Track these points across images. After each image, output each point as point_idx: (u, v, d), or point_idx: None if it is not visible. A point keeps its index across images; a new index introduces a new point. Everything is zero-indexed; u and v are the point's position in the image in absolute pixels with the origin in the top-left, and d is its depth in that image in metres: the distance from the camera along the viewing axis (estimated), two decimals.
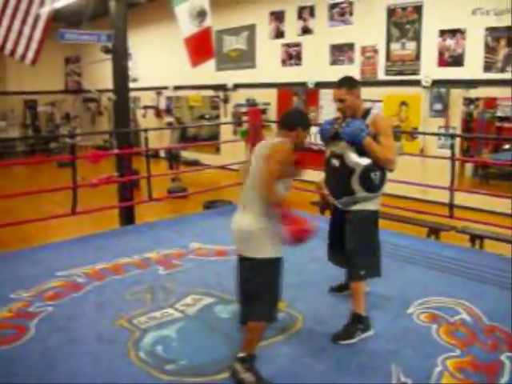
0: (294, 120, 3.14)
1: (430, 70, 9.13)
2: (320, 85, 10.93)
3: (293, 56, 11.60)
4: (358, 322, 3.57)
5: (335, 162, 3.65)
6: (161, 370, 3.16)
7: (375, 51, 10.00)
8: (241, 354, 3.02)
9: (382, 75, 9.95)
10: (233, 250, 4.78)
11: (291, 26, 11.50)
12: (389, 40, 9.74)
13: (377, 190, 3.60)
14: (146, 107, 15.33)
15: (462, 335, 3.57)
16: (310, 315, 3.89)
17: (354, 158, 3.54)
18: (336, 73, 10.43)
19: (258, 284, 2.99)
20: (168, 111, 14.79)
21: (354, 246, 3.66)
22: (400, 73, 9.62)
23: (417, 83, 9.24)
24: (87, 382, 3.07)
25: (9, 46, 6.23)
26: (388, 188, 7.87)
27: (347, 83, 3.64)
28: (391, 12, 9.62)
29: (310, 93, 11.23)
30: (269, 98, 11.82)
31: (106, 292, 4.33)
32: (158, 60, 14.60)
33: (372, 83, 10.05)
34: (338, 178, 3.69)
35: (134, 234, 6.10)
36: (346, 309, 3.97)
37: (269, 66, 11.93)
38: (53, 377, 3.14)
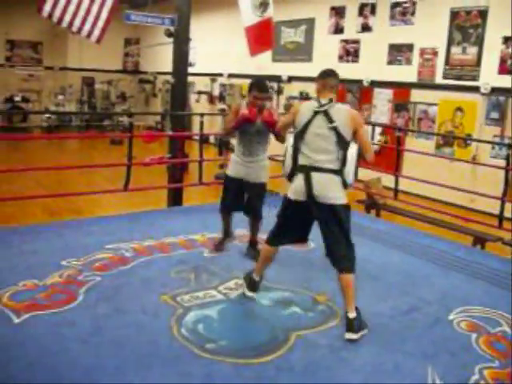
0: None
1: (489, 76, 8.93)
2: (375, 83, 10.84)
3: (350, 53, 11.52)
4: None
5: None
6: (201, 347, 3.26)
7: (434, 53, 9.84)
8: (352, 314, 3.47)
9: (439, 79, 9.78)
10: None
11: (351, 23, 11.42)
12: (449, 43, 9.56)
13: None
14: (199, 92, 15.51)
15: (502, 347, 3.54)
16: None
17: None
18: (392, 73, 10.42)
19: None
20: (221, 98, 14.94)
21: None
22: (458, 77, 9.44)
23: (475, 89, 9.05)
24: (131, 350, 3.20)
25: (77, 23, 6.43)
26: (435, 192, 7.79)
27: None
28: (455, 15, 9.43)
29: (365, 91, 11.15)
30: None
31: (152, 268, 4.47)
32: (216, 47, 14.74)
33: (428, 86, 9.91)
34: None
35: (181, 215, 6.25)
36: (386, 307, 4.01)
37: (325, 60, 11.85)
38: (99, 342, 3.29)
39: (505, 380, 3.15)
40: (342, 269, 3.58)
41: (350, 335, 3.44)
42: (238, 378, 2.99)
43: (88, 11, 6.48)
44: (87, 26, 6.53)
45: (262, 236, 4.35)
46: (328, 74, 3.78)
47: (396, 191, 7.16)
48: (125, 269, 4.43)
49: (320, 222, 3.66)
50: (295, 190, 3.65)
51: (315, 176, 3.54)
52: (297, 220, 3.77)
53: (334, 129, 3.52)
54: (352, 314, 3.46)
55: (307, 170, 3.56)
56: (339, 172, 3.56)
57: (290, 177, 3.72)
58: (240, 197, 4.74)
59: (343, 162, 3.55)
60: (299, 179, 3.60)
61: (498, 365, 3.30)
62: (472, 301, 4.23)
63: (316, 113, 3.57)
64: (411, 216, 6.94)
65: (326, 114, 3.54)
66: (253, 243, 4.89)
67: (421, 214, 6.93)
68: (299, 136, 3.62)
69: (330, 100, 3.59)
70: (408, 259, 5.20)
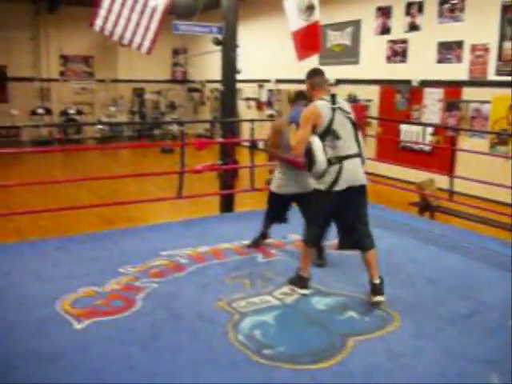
0: None
1: None
2: (425, 83, 10.63)
3: (398, 53, 11.34)
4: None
5: None
6: (259, 353, 3.26)
7: (486, 50, 9.56)
8: (378, 280, 3.94)
9: (491, 75, 9.50)
10: (328, 245, 4.82)
11: (398, 22, 11.24)
12: (502, 38, 9.27)
13: None
14: (247, 99, 15.61)
15: None
16: (408, 315, 3.84)
17: None
18: (442, 71, 10.20)
19: None
20: (269, 104, 14.98)
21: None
22: None
23: None
24: (189, 356, 3.24)
25: (127, 35, 6.59)
26: (492, 193, 7.52)
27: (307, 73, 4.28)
28: (506, 9, 9.14)
29: (414, 91, 10.95)
30: (371, 94, 11.66)
31: (207, 274, 4.51)
32: (262, 53, 14.81)
33: (480, 83, 9.64)
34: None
35: (234, 221, 6.29)
36: (446, 311, 3.91)
37: (372, 62, 11.76)
38: (158, 347, 3.34)
39: None
40: (370, 246, 4.09)
41: (377, 298, 3.92)
42: None
43: (138, 24, 6.63)
44: (138, 38, 6.69)
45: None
46: (321, 71, 4.29)
47: (451, 192, 6.98)
48: (180, 275, 4.49)
49: (350, 205, 4.02)
50: (341, 180, 3.93)
51: (349, 163, 3.93)
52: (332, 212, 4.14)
53: (350, 118, 4.05)
54: (377, 280, 3.96)
55: (342, 160, 3.92)
56: (360, 154, 4.04)
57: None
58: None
59: (359, 143, 4.07)
60: (335, 170, 3.91)
61: None
62: None
63: (334, 109, 3.96)
64: (467, 217, 6.76)
65: (340, 107, 4.00)
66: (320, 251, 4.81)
67: (477, 216, 6.73)
68: (326, 133, 3.93)
69: (333, 96, 4.06)
70: (466, 262, 5.05)
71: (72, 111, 15.64)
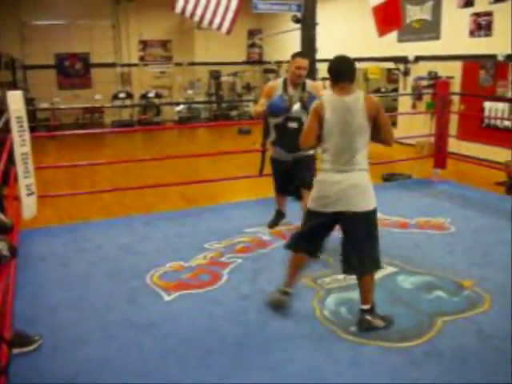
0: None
1: None
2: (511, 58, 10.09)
3: (482, 26, 10.80)
4: None
5: (293, 124, 4.51)
6: (345, 330, 3.27)
7: None
8: (367, 306, 3.28)
9: None
10: (414, 224, 4.72)
11: None
12: None
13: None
14: (324, 79, 15.42)
15: None
16: (499, 297, 3.71)
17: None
18: None
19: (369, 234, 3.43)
20: None
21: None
22: None
23: None
24: (276, 330, 3.29)
25: (208, 16, 6.67)
26: None
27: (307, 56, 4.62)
28: None
29: (500, 66, 10.41)
30: (452, 71, 11.19)
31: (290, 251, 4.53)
32: (340, 31, 14.55)
33: None
34: (295, 137, 3.75)
35: None
36: None
37: (454, 37, 11.26)
38: (246, 320, 3.42)
39: None
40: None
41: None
42: (386, 362, 2.96)
43: (218, 4, 6.69)
44: (218, 19, 6.76)
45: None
46: None
47: None
48: (264, 251, 4.56)
49: None
50: None
51: None
52: None
53: None
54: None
55: None
56: None
57: None
58: None
59: None
60: None
61: None
62: None
63: None
64: None
65: None
66: None
67: None
68: None
69: None
70: None
71: (151, 95, 16.04)
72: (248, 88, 17.25)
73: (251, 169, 6.36)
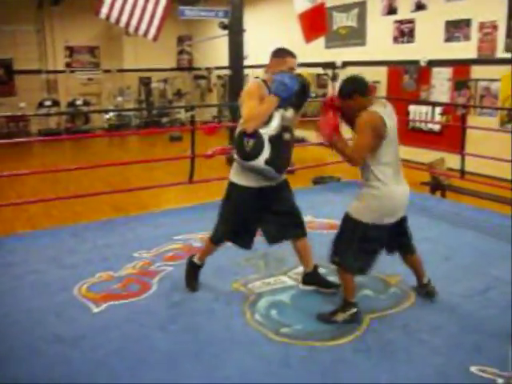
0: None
1: None
2: (433, 63, 10.55)
3: (405, 33, 11.24)
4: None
5: (287, 136, 3.51)
6: (276, 332, 3.30)
7: (494, 27, 9.46)
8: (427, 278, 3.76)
9: (500, 53, 9.40)
10: None
11: (404, 2, 11.13)
12: (510, 15, 9.16)
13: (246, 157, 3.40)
14: None
15: None
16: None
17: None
18: (450, 50, 10.10)
19: None
20: None
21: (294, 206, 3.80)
22: None
23: None
24: (208, 336, 3.28)
25: (133, 22, 6.57)
26: (503, 171, 7.48)
27: None
28: None
29: (422, 71, 10.87)
30: (379, 76, 11.58)
31: (222, 257, 4.49)
32: (268, 37, 14.71)
33: (489, 61, 9.55)
34: (290, 152, 3.62)
35: None
36: (462, 287, 3.92)
37: (379, 43, 11.66)
38: (176, 329, 3.38)
39: None
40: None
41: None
42: (315, 361, 3.01)
43: (144, 10, 6.61)
44: (144, 25, 6.67)
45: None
46: None
47: (462, 171, 6.96)
48: None
49: None
50: None
51: None
52: None
53: None
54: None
55: None
56: None
57: None
58: None
59: None
60: None
61: None
62: None
63: None
64: (479, 196, 6.73)
65: None
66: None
67: (490, 194, 6.70)
68: None
69: None
70: (480, 239, 5.05)
71: (79, 102, 15.64)
72: (179, 94, 17.15)
73: (183, 176, 6.35)
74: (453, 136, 8.99)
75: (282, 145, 3.44)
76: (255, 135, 3.34)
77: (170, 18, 7.06)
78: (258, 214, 3.67)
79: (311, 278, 3.89)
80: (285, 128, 3.48)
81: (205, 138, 7.43)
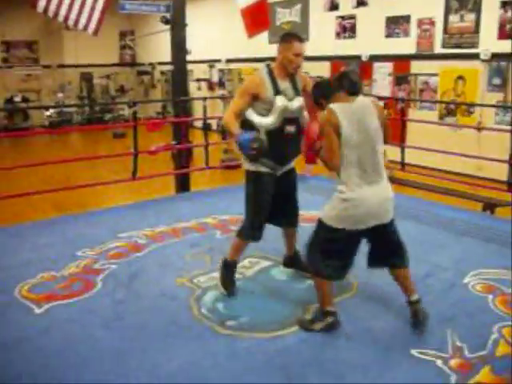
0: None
1: (489, 42, 8.86)
2: (374, 58, 10.79)
3: (347, 29, 11.45)
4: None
5: (291, 128, 3.52)
6: (223, 325, 3.31)
7: (432, 23, 9.76)
8: (416, 297, 3.30)
9: (438, 48, 9.71)
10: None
11: None
12: (447, 12, 9.47)
13: None
14: (198, 80, 15.48)
15: None
16: (363, 282, 3.93)
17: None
18: (391, 46, 10.36)
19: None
20: (220, 84, 14.91)
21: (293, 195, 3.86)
22: (458, 46, 9.37)
23: (475, 57, 8.98)
24: (154, 332, 3.26)
25: (72, 16, 6.42)
26: (441, 163, 7.72)
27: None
28: None
29: (364, 66, 11.10)
30: (322, 70, 11.73)
31: (167, 253, 4.52)
32: (212, 33, 14.67)
33: (428, 56, 9.86)
34: (294, 144, 3.60)
35: (190, 200, 6.29)
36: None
37: (322, 38, 11.83)
38: (121, 326, 3.34)
39: None
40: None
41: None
42: (261, 351, 3.04)
43: (83, 3, 6.46)
44: (83, 19, 6.53)
45: None
46: None
47: (403, 163, 7.16)
48: (140, 255, 4.47)
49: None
50: None
51: None
52: None
53: None
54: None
55: None
56: None
57: None
58: None
59: None
60: None
61: None
62: (486, 264, 4.25)
63: None
64: (419, 187, 6.95)
65: None
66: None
67: (429, 185, 6.93)
68: None
69: None
70: (420, 228, 5.21)
71: (18, 99, 15.14)
72: (122, 91, 16.89)
73: (126, 173, 6.26)
74: (394, 128, 9.23)
75: (281, 138, 3.46)
76: (254, 128, 3.45)
77: (111, 11, 6.93)
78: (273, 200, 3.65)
79: (292, 260, 4.03)
80: (289, 120, 3.48)
81: (149, 135, 7.32)
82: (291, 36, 3.45)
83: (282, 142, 3.49)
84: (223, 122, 3.55)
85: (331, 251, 3.16)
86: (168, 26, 7.10)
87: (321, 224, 3.19)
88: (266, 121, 3.45)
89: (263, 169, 3.56)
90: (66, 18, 6.36)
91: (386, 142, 3.23)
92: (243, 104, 3.45)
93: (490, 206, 6.07)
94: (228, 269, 3.74)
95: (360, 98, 3.09)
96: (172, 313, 3.49)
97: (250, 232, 3.67)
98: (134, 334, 3.26)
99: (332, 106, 3.02)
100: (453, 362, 2.92)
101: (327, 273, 3.19)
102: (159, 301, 3.67)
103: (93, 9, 6.52)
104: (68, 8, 6.36)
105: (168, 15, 6.98)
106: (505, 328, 3.27)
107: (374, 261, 3.37)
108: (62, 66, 16.35)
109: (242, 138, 3.33)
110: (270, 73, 3.46)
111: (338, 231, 3.09)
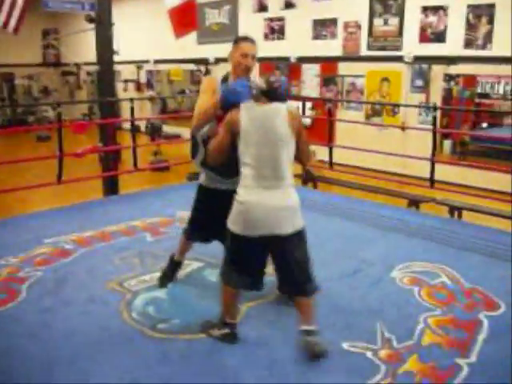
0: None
1: (412, 46, 9.23)
2: (302, 59, 10.98)
3: (275, 30, 11.59)
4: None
5: None
6: (154, 328, 3.25)
7: (358, 27, 10.06)
8: (312, 327, 2.98)
9: (364, 51, 10.02)
10: None
11: (274, 0, 11.47)
12: (372, 16, 9.80)
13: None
14: (126, 81, 15.20)
15: (442, 296, 3.72)
16: None
17: None
18: (318, 48, 10.57)
19: (306, 253, 3.04)
20: (149, 85, 14.69)
21: None
22: (382, 48, 9.71)
23: (399, 59, 9.34)
24: (83, 339, 3.15)
25: None
26: (368, 162, 7.93)
27: (255, 41, 3.32)
28: None
29: (293, 67, 11.27)
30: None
31: (95, 257, 4.38)
32: (139, 33, 14.43)
33: (354, 59, 10.14)
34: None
35: (119, 203, 6.15)
36: (332, 272, 4.12)
37: None
38: (48, 335, 3.21)
39: (448, 325, 3.31)
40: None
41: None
42: (193, 353, 3.01)
43: (2, 1, 6.21)
44: (2, 16, 6.27)
45: None
46: None
47: (331, 162, 7.31)
48: (67, 261, 4.31)
49: None
50: None
51: None
52: None
53: None
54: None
55: None
56: None
57: None
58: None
59: None
60: None
61: (440, 312, 3.48)
62: (412, 257, 4.40)
63: None
64: (347, 185, 7.12)
65: None
66: None
67: (356, 183, 7.12)
68: None
69: None
70: (348, 225, 5.34)
71: None
72: (46, 92, 16.31)
73: (51, 177, 6.04)
74: (322, 130, 9.43)
75: None
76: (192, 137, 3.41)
77: (33, 9, 6.68)
78: (216, 215, 3.35)
79: None
80: None
81: (75, 137, 7.12)
82: (239, 38, 3.36)
83: None
84: (194, 121, 3.23)
85: (235, 258, 3.04)
86: (93, 25, 6.92)
87: (227, 229, 3.03)
88: (203, 128, 3.29)
89: (208, 182, 3.52)
90: None
91: (300, 161, 3.16)
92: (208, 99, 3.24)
93: (414, 203, 6.31)
94: (170, 263, 3.85)
95: (274, 104, 2.88)
96: (102, 318, 3.39)
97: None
98: (61, 342, 3.13)
99: (242, 105, 2.91)
100: (382, 353, 3.00)
101: (231, 280, 3.07)
102: (88, 306, 3.55)
103: (13, 6, 6.28)
104: None
105: (93, 14, 6.79)
106: (430, 318, 3.40)
107: (280, 285, 3.23)
108: None
109: (235, 84, 3.05)
110: (226, 76, 3.37)
111: (236, 237, 2.94)
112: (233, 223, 2.95)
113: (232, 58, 3.29)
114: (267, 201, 2.85)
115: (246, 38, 3.31)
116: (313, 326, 2.98)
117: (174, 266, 3.85)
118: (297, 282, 3.00)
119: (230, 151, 2.97)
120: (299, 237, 2.96)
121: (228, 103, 3.00)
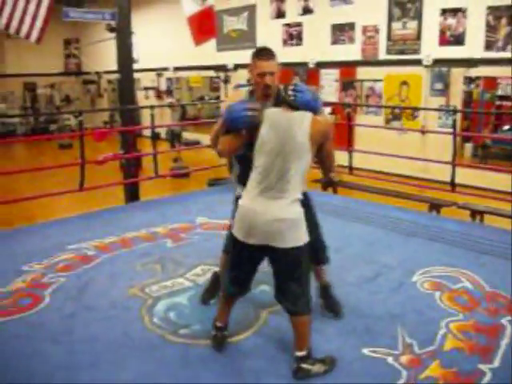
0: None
1: (431, 49, 9.18)
2: (321, 65, 10.98)
3: (294, 36, 11.62)
4: None
5: None
6: (175, 333, 3.28)
7: (376, 31, 10.04)
8: (302, 353, 2.87)
9: (382, 55, 10.00)
10: None
11: (292, 6, 11.51)
12: (390, 19, 9.77)
13: None
14: (146, 88, 15.35)
15: (464, 301, 3.69)
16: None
17: None
18: (337, 52, 10.56)
19: (301, 271, 2.88)
20: (168, 92, 14.82)
21: None
22: (401, 52, 9.67)
23: (418, 62, 9.30)
24: (105, 344, 3.19)
25: (14, 24, 6.27)
26: (388, 166, 7.87)
27: (274, 53, 2.99)
28: None
29: (311, 73, 11.28)
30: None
31: (117, 263, 4.43)
32: (159, 41, 14.59)
33: (372, 63, 10.11)
34: None
35: (140, 209, 6.20)
36: (352, 276, 4.10)
37: (269, 45, 11.85)
38: (70, 340, 3.25)
39: (470, 331, 3.28)
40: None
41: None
42: (216, 358, 3.02)
43: (25, 11, 6.32)
44: (25, 27, 6.38)
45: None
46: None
47: (351, 167, 7.29)
48: (89, 267, 4.37)
49: None
50: None
51: None
52: None
53: None
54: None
55: None
56: None
57: None
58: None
59: None
60: None
61: (462, 317, 3.44)
62: (433, 262, 4.37)
63: None
64: (367, 190, 7.10)
65: None
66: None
67: (376, 187, 7.09)
68: None
69: None
70: (369, 230, 5.32)
71: None
72: (67, 100, 16.55)
73: (74, 184, 6.12)
74: (342, 135, 9.41)
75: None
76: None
77: (55, 19, 6.79)
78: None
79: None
80: None
81: (96, 145, 7.22)
82: (256, 53, 3.00)
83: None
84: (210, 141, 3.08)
85: (232, 260, 3.01)
86: (113, 34, 7.02)
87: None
88: None
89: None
90: (7, 26, 6.21)
91: (324, 170, 3.07)
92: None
93: (435, 207, 6.26)
94: (213, 280, 3.74)
95: (299, 112, 2.78)
96: (123, 324, 3.43)
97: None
98: (83, 347, 3.17)
99: (267, 110, 2.82)
100: (403, 359, 2.98)
101: (225, 284, 3.07)
102: (110, 312, 3.59)
103: (35, 16, 6.38)
104: (9, 16, 6.21)
105: (113, 23, 6.89)
106: (452, 323, 3.37)
107: (275, 294, 3.00)
108: (3, 75, 15.87)
109: (235, 104, 2.82)
110: (251, 93, 3.13)
111: (235, 239, 2.89)
112: (234, 227, 2.92)
113: (251, 74, 3.02)
114: (264, 210, 2.74)
115: (262, 54, 2.98)
116: (304, 351, 2.86)
117: (217, 281, 3.65)
118: (288, 299, 2.88)
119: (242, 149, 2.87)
120: (297, 252, 2.79)
121: (230, 129, 2.84)
